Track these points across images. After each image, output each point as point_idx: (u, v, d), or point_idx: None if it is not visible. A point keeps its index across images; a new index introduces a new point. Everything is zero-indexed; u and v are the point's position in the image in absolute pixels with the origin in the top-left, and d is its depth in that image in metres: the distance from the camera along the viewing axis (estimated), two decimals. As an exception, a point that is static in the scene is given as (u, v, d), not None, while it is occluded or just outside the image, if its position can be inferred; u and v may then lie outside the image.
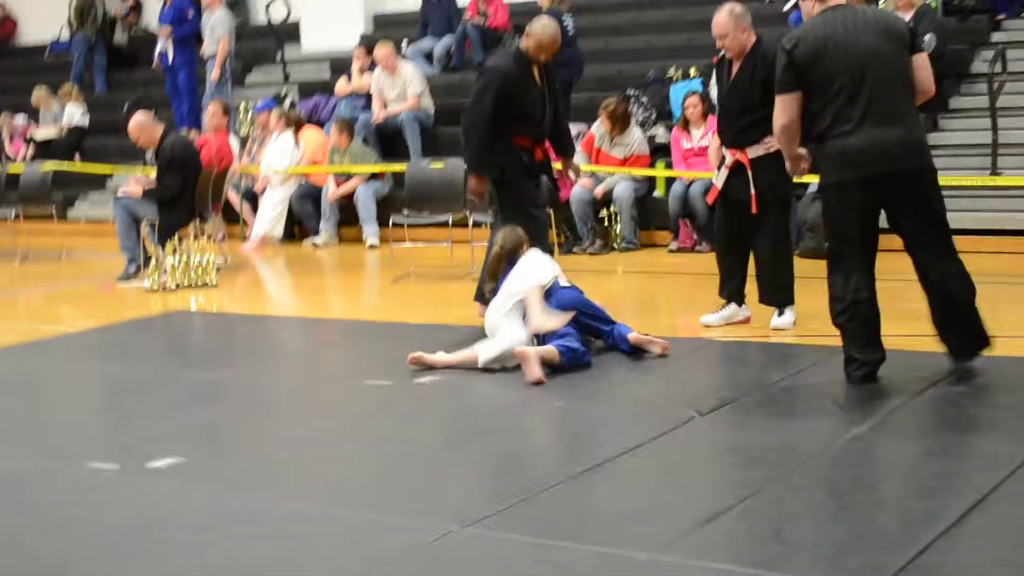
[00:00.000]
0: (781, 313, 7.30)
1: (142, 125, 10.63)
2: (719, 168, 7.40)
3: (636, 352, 6.64)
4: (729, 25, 7.15)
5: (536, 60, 7.61)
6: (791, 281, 7.30)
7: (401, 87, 13.37)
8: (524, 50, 7.62)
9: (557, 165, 8.18)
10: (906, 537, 3.87)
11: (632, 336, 6.65)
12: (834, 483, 4.52)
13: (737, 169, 7.24)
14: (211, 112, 11.86)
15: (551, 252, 7.76)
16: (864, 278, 5.89)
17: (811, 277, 7.55)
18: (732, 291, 7.48)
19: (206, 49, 15.07)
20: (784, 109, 5.87)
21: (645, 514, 4.27)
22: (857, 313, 5.85)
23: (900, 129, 5.77)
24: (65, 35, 19.51)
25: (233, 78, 15.40)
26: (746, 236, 7.30)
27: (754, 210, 7.15)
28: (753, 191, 7.13)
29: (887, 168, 5.77)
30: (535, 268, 6.69)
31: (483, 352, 6.40)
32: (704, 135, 11.17)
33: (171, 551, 4.08)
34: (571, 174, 8.13)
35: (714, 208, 7.56)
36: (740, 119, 7.20)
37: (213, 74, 14.77)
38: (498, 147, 7.56)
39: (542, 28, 7.57)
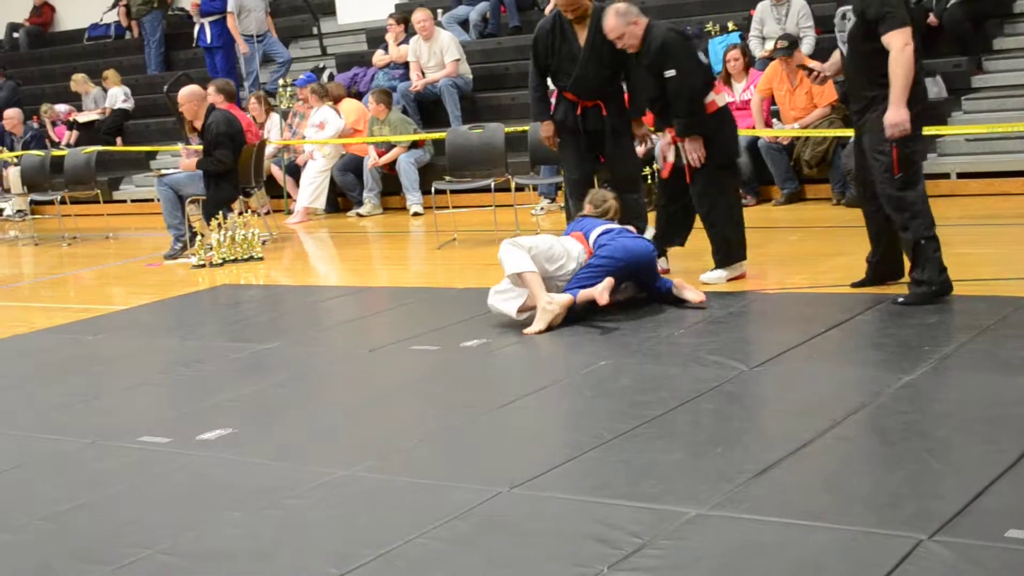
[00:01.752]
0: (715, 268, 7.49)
1: (192, 95, 10.65)
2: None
3: (678, 305, 6.71)
4: (621, 25, 7.33)
5: (566, 15, 7.83)
6: (728, 241, 7.48)
7: (438, 55, 13.33)
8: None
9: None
10: (960, 483, 3.83)
11: (676, 283, 6.85)
12: (885, 431, 4.48)
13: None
14: (207, 92, 11.80)
15: (581, 202, 7.85)
16: None
17: (859, 226, 7.47)
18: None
19: (250, 26, 15.16)
20: (910, 37, 6.20)
21: (695, 469, 4.24)
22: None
23: None
24: (107, 18, 19.62)
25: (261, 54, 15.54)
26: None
27: (688, 179, 7.45)
28: (685, 162, 7.37)
29: None
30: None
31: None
32: (746, 88, 11.07)
33: (223, 520, 4.10)
34: (639, 138, 8.20)
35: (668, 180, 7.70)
36: (655, 105, 7.55)
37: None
38: (552, 99, 8.15)
39: None
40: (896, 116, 6.22)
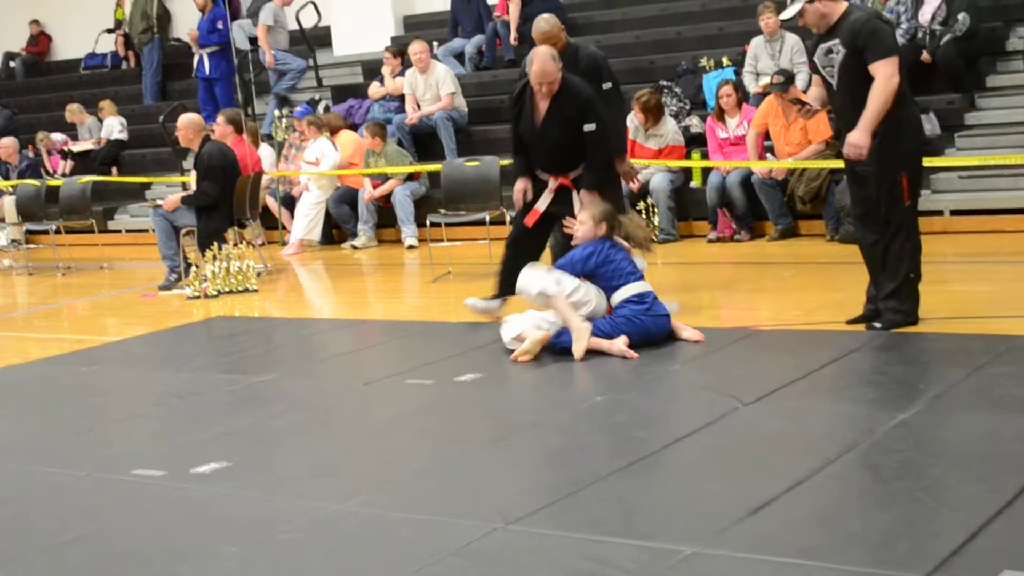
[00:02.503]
0: None
1: (189, 124, 10.71)
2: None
3: (672, 340, 6.70)
4: (556, 68, 7.37)
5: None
6: None
7: (434, 87, 13.38)
8: None
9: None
10: (955, 522, 3.83)
11: (673, 325, 6.75)
12: (880, 469, 4.48)
13: (561, 190, 7.52)
14: (216, 123, 11.96)
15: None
16: None
17: (853, 263, 7.50)
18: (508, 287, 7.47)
19: (279, 42, 15.32)
20: (897, 68, 6.31)
21: (690, 506, 4.24)
22: None
23: None
24: (102, 47, 19.70)
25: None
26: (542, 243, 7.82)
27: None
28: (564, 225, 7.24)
29: None
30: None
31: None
32: (739, 124, 11.12)
33: (218, 555, 4.10)
34: (624, 175, 8.18)
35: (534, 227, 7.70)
36: (556, 154, 7.48)
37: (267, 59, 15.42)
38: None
39: (534, 23, 7.96)
40: (859, 139, 6.35)
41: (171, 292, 10.56)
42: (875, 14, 6.56)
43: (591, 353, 6.45)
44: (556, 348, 6.55)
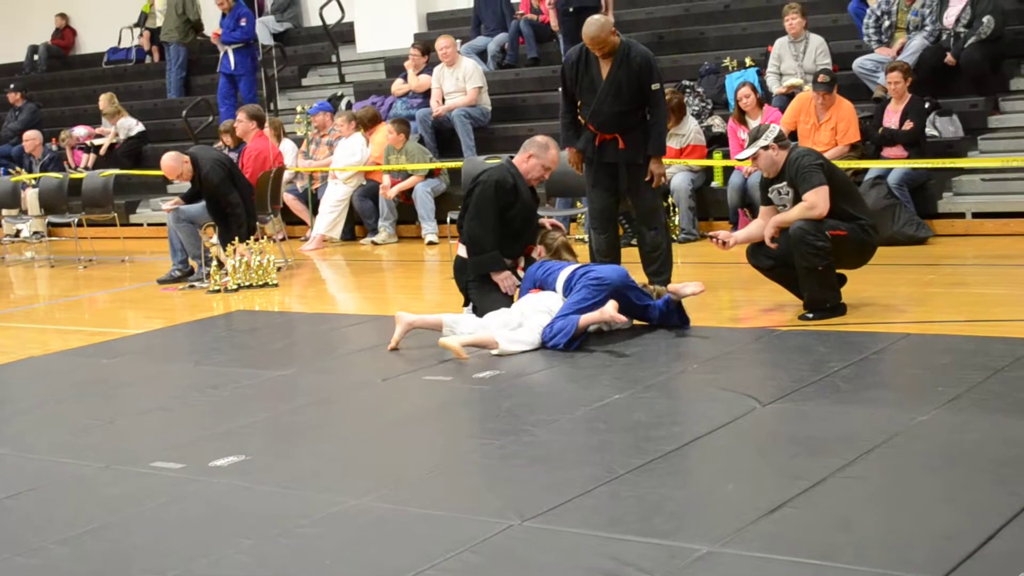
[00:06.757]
0: None
1: (171, 167, 10.67)
2: None
3: (691, 340, 6.83)
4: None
5: (593, 52, 8.03)
6: None
7: (461, 82, 13.36)
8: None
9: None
10: (973, 525, 3.82)
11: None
12: (898, 471, 4.47)
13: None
14: (238, 119, 11.95)
15: (603, 234, 8.30)
16: None
17: (872, 264, 7.48)
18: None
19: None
20: (823, 197, 7.09)
21: (707, 506, 4.25)
22: None
23: None
24: (125, 43, 19.77)
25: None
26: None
27: None
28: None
29: None
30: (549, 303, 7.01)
31: (504, 343, 6.77)
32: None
33: (234, 547, 4.11)
34: (652, 176, 8.24)
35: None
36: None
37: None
38: (578, 128, 8.29)
39: (585, 25, 8.08)
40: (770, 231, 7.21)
41: (192, 285, 10.57)
42: (803, 153, 7.28)
43: (608, 352, 6.49)
44: (549, 347, 6.75)
